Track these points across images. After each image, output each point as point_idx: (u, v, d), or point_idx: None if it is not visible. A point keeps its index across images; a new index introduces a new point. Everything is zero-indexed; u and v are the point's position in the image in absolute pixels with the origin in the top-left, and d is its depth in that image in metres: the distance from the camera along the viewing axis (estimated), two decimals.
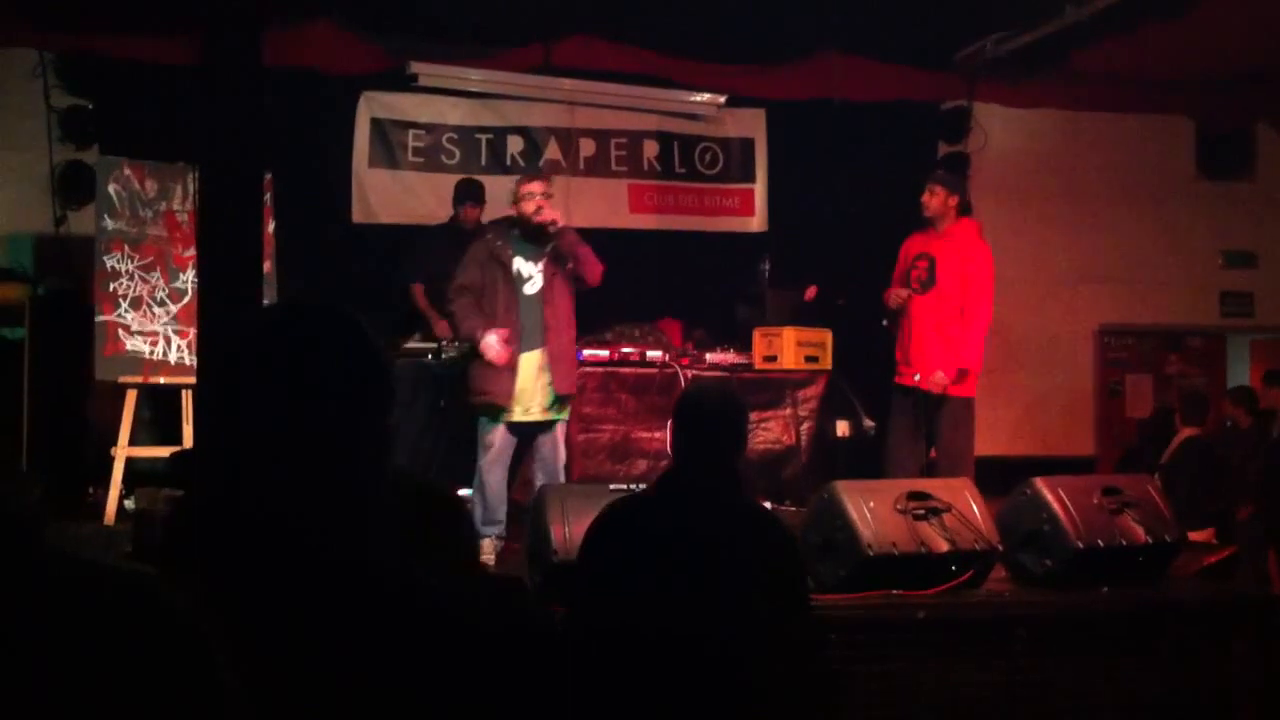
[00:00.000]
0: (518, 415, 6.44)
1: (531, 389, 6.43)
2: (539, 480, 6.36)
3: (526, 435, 6.55)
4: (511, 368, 6.37)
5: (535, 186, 6.58)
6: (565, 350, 6.55)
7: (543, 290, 6.48)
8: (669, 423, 3.59)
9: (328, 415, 1.55)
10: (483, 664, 1.49)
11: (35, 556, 1.26)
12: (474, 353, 6.46)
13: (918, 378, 7.13)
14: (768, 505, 7.44)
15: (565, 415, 6.64)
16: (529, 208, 6.47)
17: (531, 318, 6.46)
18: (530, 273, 6.50)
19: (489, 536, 6.36)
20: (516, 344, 6.40)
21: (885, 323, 7.47)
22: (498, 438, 6.44)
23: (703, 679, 3.10)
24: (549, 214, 6.45)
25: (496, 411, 6.40)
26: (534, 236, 6.48)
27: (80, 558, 1.30)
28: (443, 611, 1.51)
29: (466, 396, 6.57)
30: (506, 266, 6.47)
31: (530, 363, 6.43)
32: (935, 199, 7.22)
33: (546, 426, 6.51)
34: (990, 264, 7.22)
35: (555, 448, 6.52)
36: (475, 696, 1.49)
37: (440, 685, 1.47)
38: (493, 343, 6.34)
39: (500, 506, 6.42)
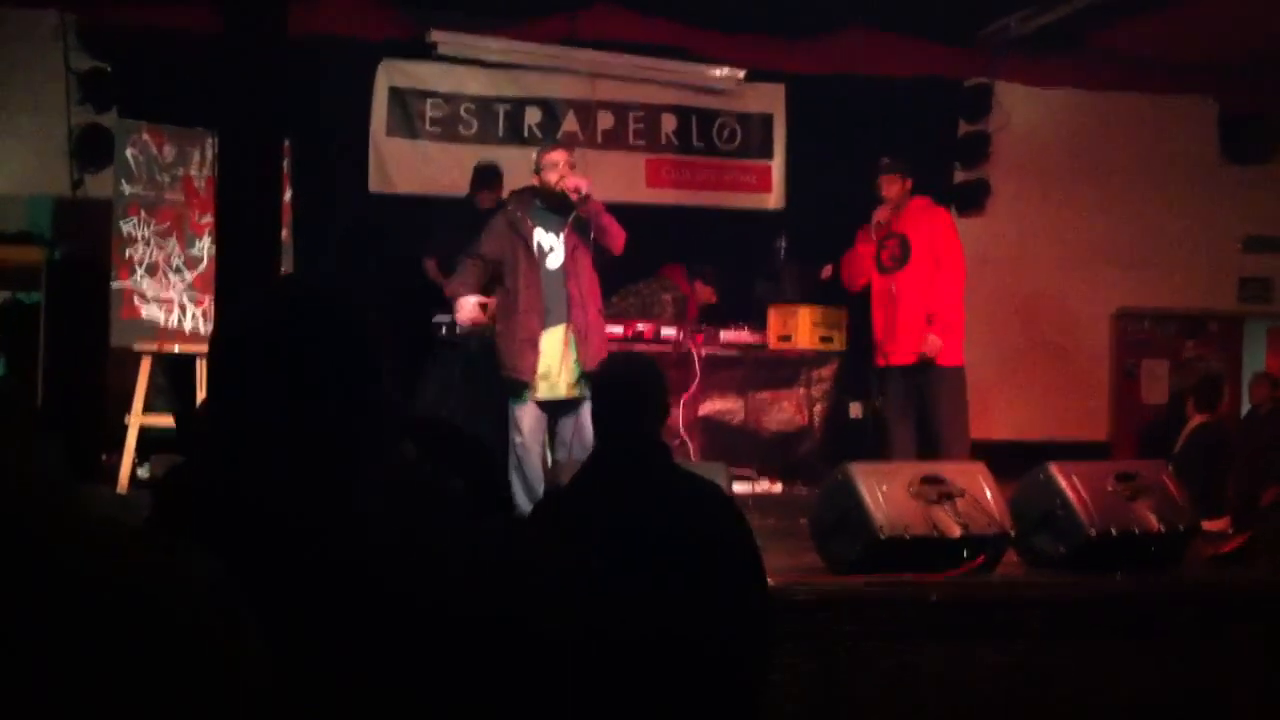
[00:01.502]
0: (543, 393, 6.35)
1: (558, 366, 6.33)
2: (557, 458, 6.32)
3: (553, 414, 6.48)
4: (534, 343, 6.31)
5: (558, 155, 6.50)
6: (592, 325, 6.44)
7: (565, 263, 6.40)
8: (591, 401, 3.52)
9: (326, 408, 1.54)
10: (475, 665, 1.49)
11: (71, 519, 1.25)
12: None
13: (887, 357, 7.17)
14: (778, 486, 7.47)
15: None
16: (552, 177, 6.39)
17: (555, 292, 6.37)
18: (552, 244, 6.42)
19: None
20: (540, 319, 6.34)
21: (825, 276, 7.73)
22: (528, 416, 6.36)
23: (662, 659, 3.03)
24: (573, 181, 6.38)
25: (521, 388, 6.35)
26: (556, 206, 6.41)
27: (118, 521, 1.29)
28: (441, 607, 1.50)
29: (496, 371, 6.53)
30: (527, 239, 6.39)
31: (554, 339, 6.34)
32: (894, 188, 7.30)
33: (571, 405, 6.39)
34: (953, 225, 7.38)
35: (580, 426, 6.35)
36: (474, 693, 1.48)
37: (439, 682, 1.46)
38: (465, 304, 6.28)
39: (539, 484, 6.26)
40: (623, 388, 3.34)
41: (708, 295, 8.70)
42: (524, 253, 6.38)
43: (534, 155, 6.69)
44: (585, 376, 6.29)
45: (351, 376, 1.59)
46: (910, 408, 7.15)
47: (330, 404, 1.55)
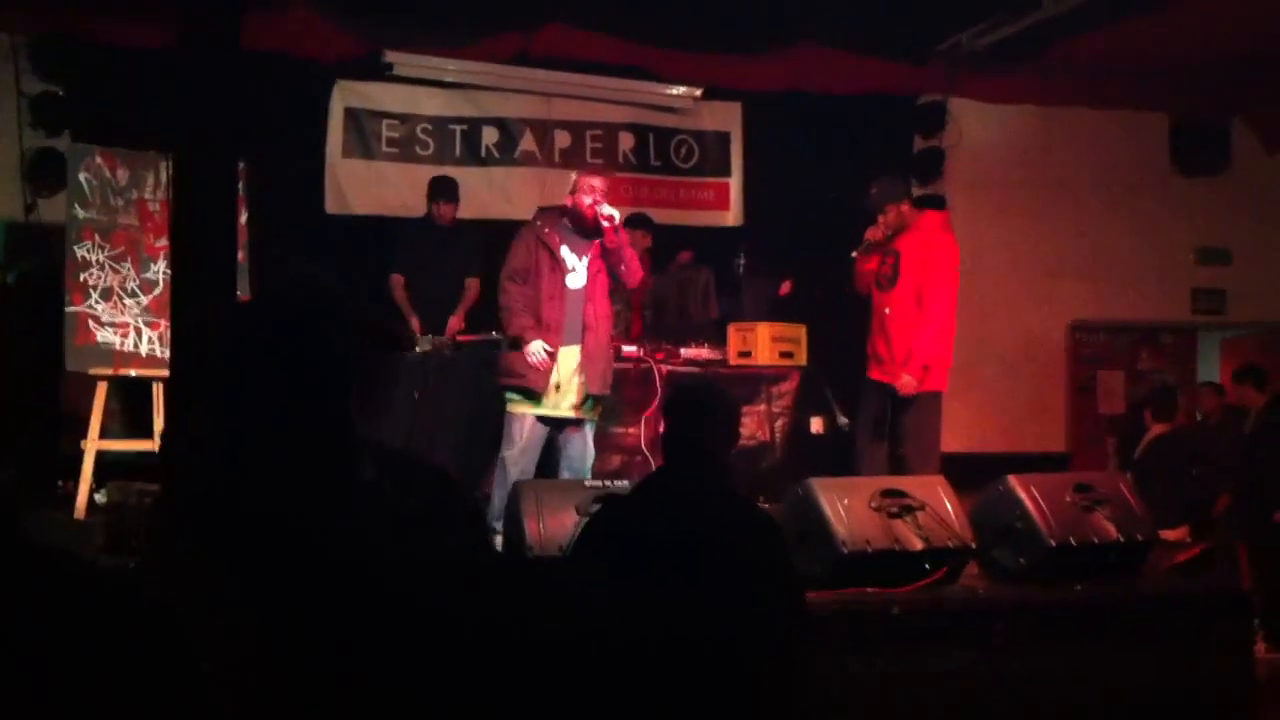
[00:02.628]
0: (547, 409, 6.37)
1: (566, 385, 6.37)
2: (561, 477, 6.30)
3: (554, 432, 6.47)
4: (551, 355, 6.33)
5: (596, 181, 6.54)
6: (601, 350, 6.49)
7: (585, 287, 6.44)
8: (663, 419, 3.61)
9: (324, 410, 1.54)
10: (480, 661, 1.48)
11: (11, 548, 1.24)
12: (515, 344, 6.38)
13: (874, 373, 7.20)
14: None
15: (594, 416, 6.57)
16: (585, 200, 6.44)
17: (573, 312, 6.41)
18: (574, 264, 6.46)
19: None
20: (558, 335, 6.36)
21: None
22: (525, 429, 6.35)
23: (700, 678, 3.08)
24: (608, 209, 6.42)
25: (530, 395, 6.33)
26: (585, 229, 6.45)
27: (56, 550, 1.28)
28: (441, 608, 1.50)
29: (495, 378, 6.51)
30: (554, 252, 6.43)
31: (567, 357, 6.38)
32: (889, 217, 7.17)
33: (575, 425, 6.43)
34: (953, 256, 7.14)
35: (585, 447, 6.44)
36: (472, 694, 1.48)
37: (438, 681, 1.46)
38: (537, 349, 6.29)
39: None
40: (695, 409, 3.46)
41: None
42: (548, 265, 6.42)
43: (572, 175, 6.72)
44: (590, 399, 6.35)
45: (348, 378, 1.60)
46: (884, 423, 7.16)
47: (330, 404, 1.55)
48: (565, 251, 6.46)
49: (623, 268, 6.48)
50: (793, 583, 3.43)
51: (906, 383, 6.95)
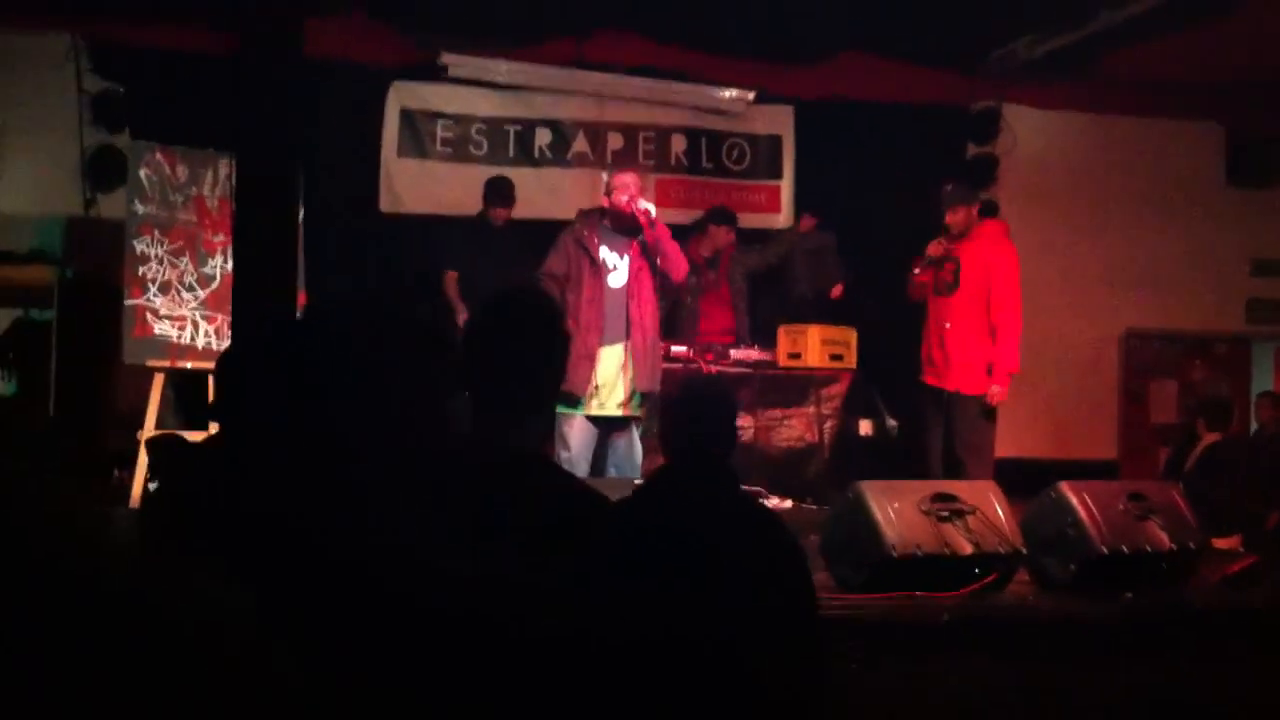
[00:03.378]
0: (594, 409, 6.40)
1: (611, 383, 6.41)
2: (609, 476, 6.34)
3: (603, 432, 6.50)
4: (591, 358, 6.35)
5: (629, 178, 6.60)
6: (649, 347, 6.52)
7: (629, 285, 6.48)
8: (663, 418, 3.58)
9: (325, 409, 1.56)
10: (474, 664, 1.49)
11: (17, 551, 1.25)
12: None
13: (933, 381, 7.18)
14: (788, 503, 7.48)
15: (642, 413, 6.59)
16: (622, 198, 6.48)
17: (615, 311, 6.45)
18: (616, 264, 6.51)
19: None
20: (599, 335, 6.39)
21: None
22: (575, 432, 6.39)
23: (705, 683, 3.06)
24: (643, 204, 6.45)
25: (573, 400, 6.36)
26: (624, 227, 6.49)
27: (75, 557, 1.29)
28: (441, 607, 1.51)
29: None
30: (593, 256, 6.48)
31: (612, 357, 6.41)
32: (958, 216, 7.25)
33: (623, 424, 6.46)
34: (1016, 264, 7.25)
35: (631, 446, 6.48)
36: (473, 693, 1.49)
37: (438, 680, 1.47)
38: None
39: None
40: (694, 408, 3.40)
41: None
42: (589, 269, 6.46)
43: (604, 177, 6.78)
44: (639, 396, 6.38)
45: (349, 379, 1.61)
46: (938, 428, 7.21)
47: (330, 405, 1.57)
48: (605, 252, 6.49)
49: (667, 263, 6.50)
50: (801, 584, 3.36)
51: (995, 393, 7.05)
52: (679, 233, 9.44)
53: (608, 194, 6.60)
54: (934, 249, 7.26)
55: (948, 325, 7.16)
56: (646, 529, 3.24)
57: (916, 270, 7.34)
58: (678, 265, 6.57)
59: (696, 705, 3.00)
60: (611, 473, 6.43)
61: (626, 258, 6.49)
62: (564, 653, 1.65)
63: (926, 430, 7.26)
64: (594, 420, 6.44)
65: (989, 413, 7.19)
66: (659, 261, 6.49)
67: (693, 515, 3.23)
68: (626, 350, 6.42)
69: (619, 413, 6.46)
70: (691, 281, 7.71)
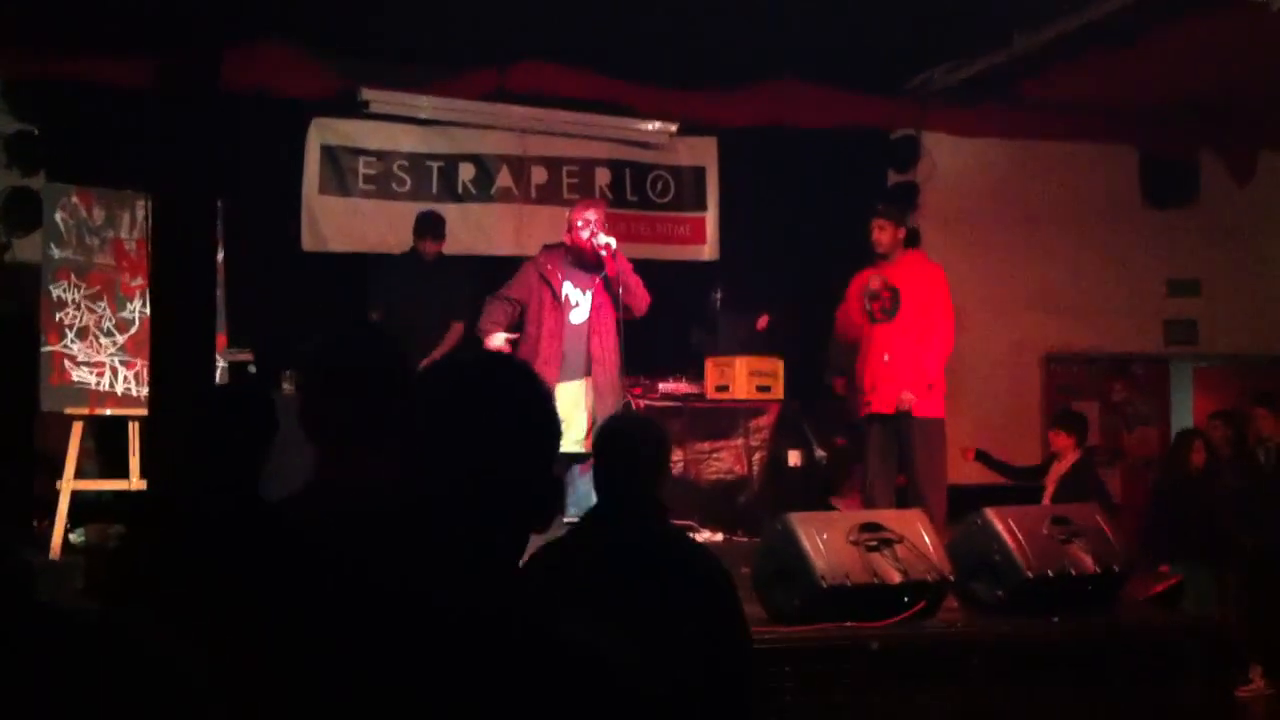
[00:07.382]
0: None
1: (569, 419, 6.31)
2: (568, 515, 6.28)
3: (562, 468, 6.43)
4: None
5: (591, 213, 6.57)
6: (611, 382, 6.49)
7: (590, 320, 6.44)
8: (593, 458, 3.54)
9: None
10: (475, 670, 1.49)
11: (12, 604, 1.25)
12: None
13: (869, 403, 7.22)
14: (719, 535, 7.48)
15: None
16: (583, 233, 6.45)
17: (575, 346, 6.41)
18: (578, 300, 6.47)
19: None
20: (557, 371, 6.34)
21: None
22: None
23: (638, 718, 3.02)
24: (604, 239, 6.42)
25: None
26: (586, 262, 6.46)
27: (50, 604, 1.29)
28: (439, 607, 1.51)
29: None
30: (555, 290, 6.44)
31: (569, 393, 6.35)
32: (885, 234, 7.36)
33: (583, 462, 6.34)
34: (946, 283, 7.39)
35: (591, 486, 6.33)
36: (474, 697, 1.48)
37: (440, 690, 1.46)
38: (494, 340, 6.29)
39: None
40: (621, 446, 3.36)
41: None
42: (550, 302, 6.43)
43: (567, 212, 6.75)
44: None
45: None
46: (891, 455, 7.25)
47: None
48: (569, 288, 6.47)
49: (630, 297, 6.48)
50: (733, 618, 3.34)
51: (905, 399, 7.07)
52: None
53: (569, 230, 6.57)
54: (873, 283, 7.33)
55: (887, 356, 7.24)
56: (574, 567, 3.21)
57: (860, 306, 7.39)
58: (640, 299, 6.55)
59: None
60: (571, 510, 6.33)
61: (589, 293, 6.47)
62: (488, 691, 1.64)
63: (879, 459, 7.28)
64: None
65: (941, 435, 7.27)
66: (621, 294, 6.47)
67: (622, 553, 3.22)
68: (587, 386, 6.40)
69: (579, 449, 6.38)
70: None
